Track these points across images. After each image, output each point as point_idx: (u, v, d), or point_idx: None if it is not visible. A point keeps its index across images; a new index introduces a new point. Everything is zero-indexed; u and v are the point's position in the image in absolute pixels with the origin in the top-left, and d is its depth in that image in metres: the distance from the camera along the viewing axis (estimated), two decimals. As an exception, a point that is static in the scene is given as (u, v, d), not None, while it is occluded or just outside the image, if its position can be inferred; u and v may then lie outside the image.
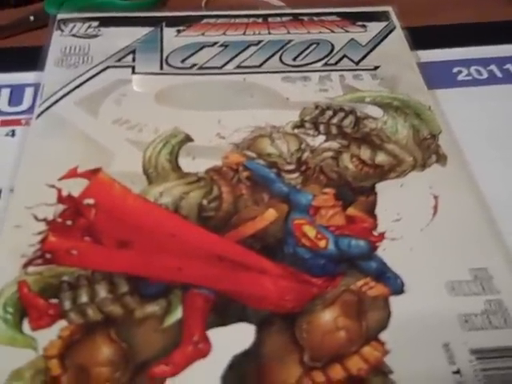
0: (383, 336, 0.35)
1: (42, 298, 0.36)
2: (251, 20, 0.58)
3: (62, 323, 0.35)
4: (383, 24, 0.57)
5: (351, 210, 0.41)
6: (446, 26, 0.59)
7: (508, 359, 0.34)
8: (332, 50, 0.54)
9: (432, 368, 0.34)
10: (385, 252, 0.39)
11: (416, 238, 0.39)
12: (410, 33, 0.56)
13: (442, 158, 0.44)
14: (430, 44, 0.56)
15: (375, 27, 0.57)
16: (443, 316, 0.36)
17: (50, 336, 0.34)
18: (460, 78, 0.54)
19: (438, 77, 0.54)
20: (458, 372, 0.33)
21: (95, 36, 0.55)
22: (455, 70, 0.55)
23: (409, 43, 0.55)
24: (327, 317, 0.36)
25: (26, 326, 0.35)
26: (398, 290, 0.37)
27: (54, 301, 0.36)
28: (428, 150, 0.45)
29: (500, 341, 0.35)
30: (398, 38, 0.56)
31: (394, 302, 0.36)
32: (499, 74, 0.54)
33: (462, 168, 0.45)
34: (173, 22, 0.57)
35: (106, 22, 0.57)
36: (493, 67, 0.55)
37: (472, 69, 0.55)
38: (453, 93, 0.53)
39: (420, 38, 0.55)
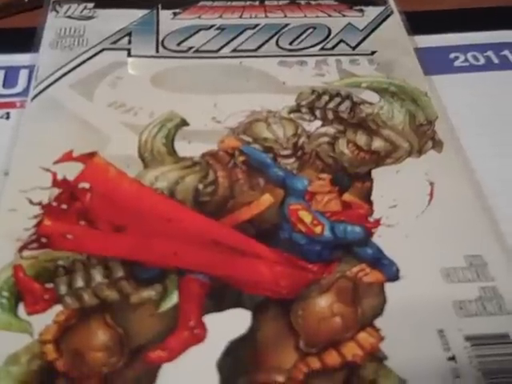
0: (378, 322, 0.35)
1: (37, 283, 0.36)
2: (248, 3, 0.57)
3: (58, 308, 0.35)
4: (380, 8, 0.57)
5: (347, 196, 0.40)
6: (443, 11, 0.59)
7: (503, 345, 0.34)
8: (329, 35, 0.54)
9: (427, 354, 0.34)
10: (380, 238, 0.38)
11: (411, 225, 0.39)
12: (408, 18, 0.56)
13: (438, 145, 0.44)
14: (428, 29, 0.56)
15: (372, 12, 0.56)
16: (438, 302, 0.36)
17: (45, 321, 0.34)
18: (457, 63, 0.54)
19: (434, 62, 0.53)
20: (452, 358, 0.34)
21: (90, 18, 0.55)
22: (452, 55, 0.55)
23: (406, 28, 0.55)
24: (323, 303, 0.36)
25: (21, 310, 0.35)
26: (394, 276, 0.37)
27: (50, 285, 0.36)
28: (424, 136, 0.45)
29: (495, 327, 0.35)
30: (396, 23, 0.55)
31: (389, 288, 0.36)
32: (496, 60, 0.54)
33: (458, 154, 0.45)
34: (169, 4, 0.56)
35: (101, 4, 0.56)
36: (490, 53, 0.55)
37: (469, 55, 0.55)
38: (449, 79, 0.53)
39: (417, 23, 0.55)
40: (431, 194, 0.41)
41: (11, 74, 0.51)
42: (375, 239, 0.38)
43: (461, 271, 0.37)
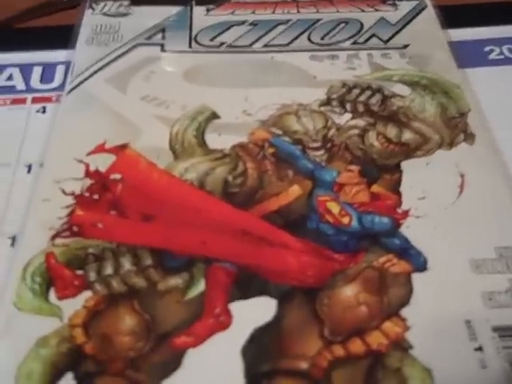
0: (404, 312, 0.35)
1: (68, 269, 0.37)
2: (280, -1, 0.58)
3: (87, 294, 0.36)
4: (414, 2, 0.56)
5: (375, 188, 0.40)
6: (477, 4, 0.58)
7: (530, 337, 0.34)
8: (361, 29, 0.53)
9: (453, 344, 0.34)
10: (408, 229, 0.38)
11: (441, 216, 0.39)
12: (442, 11, 0.55)
13: (469, 137, 0.44)
14: (462, 23, 0.55)
15: (406, 6, 0.56)
16: (466, 293, 0.36)
17: (75, 306, 0.35)
18: (491, 56, 0.54)
19: (469, 56, 0.53)
20: (479, 349, 0.33)
21: (126, 14, 0.56)
22: (487, 48, 0.54)
23: (440, 22, 0.54)
24: (349, 292, 0.36)
25: (52, 295, 0.36)
26: (421, 266, 0.37)
27: (80, 272, 0.37)
28: (456, 128, 0.45)
29: (523, 319, 0.35)
30: (429, 17, 0.55)
31: (417, 278, 0.36)
32: (531, 53, 0.54)
33: (490, 147, 0.44)
34: (202, 0, 0.57)
35: (136, 1, 0.57)
36: (525, 46, 0.54)
37: (504, 48, 0.54)
38: (484, 72, 0.52)
39: (451, 16, 0.54)
40: (461, 186, 0.41)
41: (48, 69, 0.53)
42: (403, 230, 0.38)
43: (490, 262, 0.37)
